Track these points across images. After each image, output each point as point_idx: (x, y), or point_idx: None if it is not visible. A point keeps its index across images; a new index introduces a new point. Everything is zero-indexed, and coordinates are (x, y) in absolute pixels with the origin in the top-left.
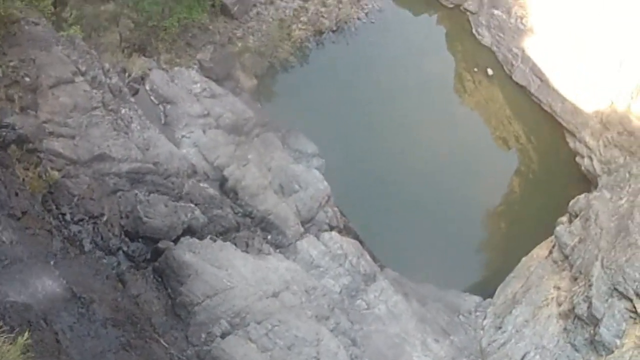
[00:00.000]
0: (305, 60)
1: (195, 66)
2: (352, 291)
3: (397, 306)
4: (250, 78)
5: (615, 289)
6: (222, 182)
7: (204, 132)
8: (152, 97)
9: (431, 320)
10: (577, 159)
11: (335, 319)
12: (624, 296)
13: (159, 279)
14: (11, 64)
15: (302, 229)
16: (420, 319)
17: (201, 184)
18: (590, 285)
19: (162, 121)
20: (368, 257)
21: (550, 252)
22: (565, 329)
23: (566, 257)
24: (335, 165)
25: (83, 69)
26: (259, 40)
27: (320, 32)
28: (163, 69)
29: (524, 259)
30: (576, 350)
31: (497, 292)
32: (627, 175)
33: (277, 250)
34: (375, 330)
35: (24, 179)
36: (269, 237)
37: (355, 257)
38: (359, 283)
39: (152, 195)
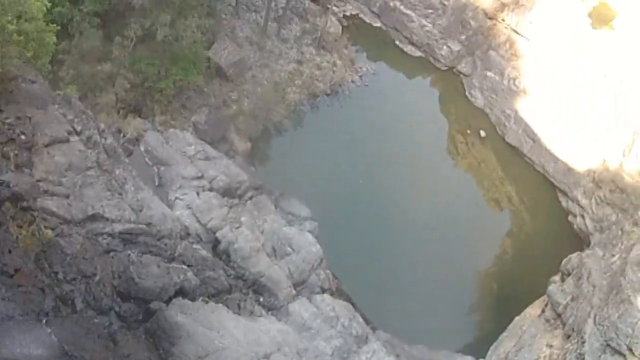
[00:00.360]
0: (299, 124)
1: (190, 128)
2: (344, 353)
3: None
4: (244, 141)
5: (608, 345)
6: (214, 244)
7: (198, 194)
8: (147, 159)
9: None
10: (570, 218)
11: None
12: (616, 351)
13: (151, 340)
14: (7, 121)
15: (294, 292)
16: None
17: (194, 246)
18: (583, 342)
19: (156, 182)
20: (360, 319)
21: (543, 311)
22: None
23: (559, 315)
24: (328, 228)
25: (78, 128)
26: (254, 103)
27: (315, 96)
28: (158, 131)
29: (516, 318)
30: None
31: (489, 352)
32: (620, 232)
33: (269, 312)
34: None
35: (17, 237)
36: (261, 299)
37: (347, 319)
38: (351, 345)
39: (144, 256)
